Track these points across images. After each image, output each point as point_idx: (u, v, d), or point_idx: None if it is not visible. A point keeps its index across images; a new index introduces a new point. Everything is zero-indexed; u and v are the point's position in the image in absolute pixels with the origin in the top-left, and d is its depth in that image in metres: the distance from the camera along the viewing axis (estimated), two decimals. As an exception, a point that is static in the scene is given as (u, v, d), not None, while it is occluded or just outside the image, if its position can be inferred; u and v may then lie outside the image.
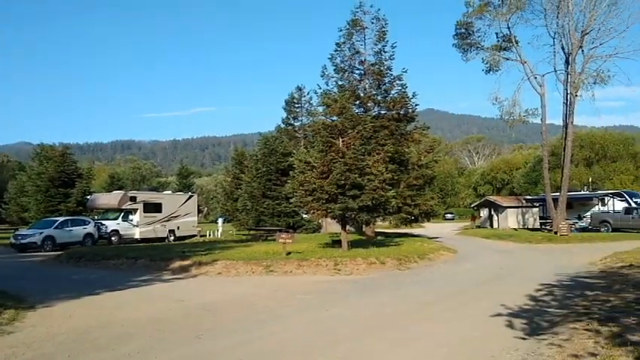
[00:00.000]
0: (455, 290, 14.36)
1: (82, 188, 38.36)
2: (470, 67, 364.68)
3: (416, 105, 33.90)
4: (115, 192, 41.64)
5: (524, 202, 51.51)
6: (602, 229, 37.86)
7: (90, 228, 32.45)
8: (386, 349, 8.22)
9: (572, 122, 36.27)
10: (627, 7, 34.31)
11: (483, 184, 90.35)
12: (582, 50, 34.85)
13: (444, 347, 8.15)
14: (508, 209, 50.31)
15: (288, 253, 20.51)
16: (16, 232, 32.64)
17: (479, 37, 38.94)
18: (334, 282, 16.37)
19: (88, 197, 38.54)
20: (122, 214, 36.12)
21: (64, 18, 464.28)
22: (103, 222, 35.12)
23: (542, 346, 7.88)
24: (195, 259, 20.16)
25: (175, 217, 39.83)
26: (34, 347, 8.40)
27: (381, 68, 33.61)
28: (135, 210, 36.76)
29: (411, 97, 33.47)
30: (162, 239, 37.76)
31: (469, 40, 39.25)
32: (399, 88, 33.69)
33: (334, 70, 34.29)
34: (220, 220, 49.70)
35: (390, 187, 23.38)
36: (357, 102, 32.81)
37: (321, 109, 26.27)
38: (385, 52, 33.77)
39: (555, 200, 36.51)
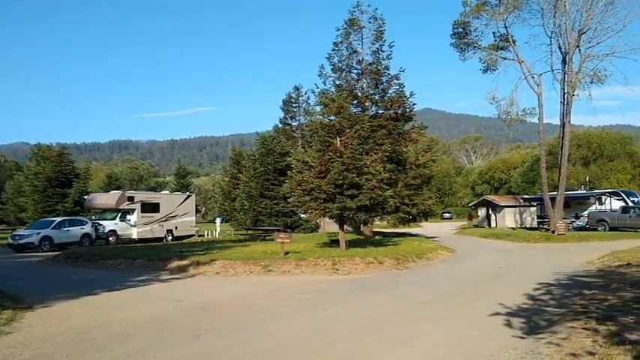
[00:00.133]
0: (453, 290, 14.36)
1: (79, 188, 38.35)
2: (467, 66, 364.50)
3: (413, 104, 33.93)
4: (112, 192, 41.54)
5: (521, 201, 51.58)
6: (600, 228, 37.92)
7: (87, 228, 32.40)
8: (384, 348, 8.22)
9: (569, 121, 36.33)
10: (624, 7, 34.30)
11: (481, 184, 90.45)
12: (579, 49, 34.91)
13: (442, 346, 8.16)
14: (506, 208, 50.39)
15: (287, 253, 20.51)
16: (14, 233, 32.59)
17: (476, 36, 39.01)
18: (332, 282, 16.37)
19: (86, 197, 38.50)
20: (120, 214, 36.05)
21: (62, 17, 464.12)
22: (101, 222, 35.05)
23: (540, 345, 7.88)
24: (193, 259, 20.14)
25: (173, 217, 39.78)
26: (32, 347, 8.39)
27: (379, 67, 33.59)
28: (132, 210, 36.69)
29: (408, 96, 33.47)
30: (160, 239, 37.72)
31: (466, 40, 39.29)
32: (397, 87, 33.69)
33: (332, 69, 34.28)
34: (218, 220, 49.65)
35: (388, 187, 23.39)
36: (355, 101, 32.76)
37: (318, 108, 26.20)
38: (383, 51, 33.77)
39: (553, 199, 36.54)
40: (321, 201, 21.37)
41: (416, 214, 34.40)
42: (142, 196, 39.48)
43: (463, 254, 25.52)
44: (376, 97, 34.10)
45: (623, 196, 41.60)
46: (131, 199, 36.95)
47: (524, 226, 48.17)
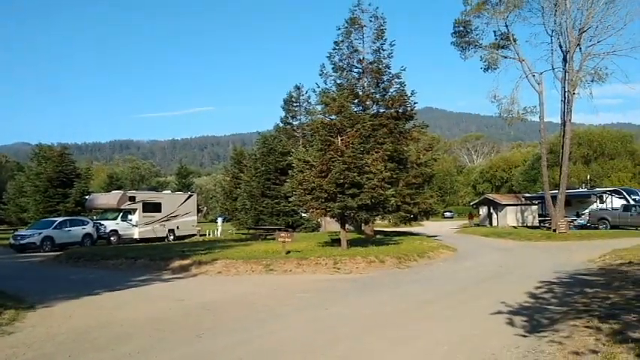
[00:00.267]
0: (455, 288, 14.36)
1: (80, 188, 38.33)
2: (468, 65, 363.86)
3: (414, 103, 33.92)
4: (113, 192, 41.59)
5: (523, 199, 51.55)
6: (601, 227, 37.86)
7: (89, 228, 32.40)
8: (386, 347, 8.21)
9: (570, 120, 36.31)
10: (625, 5, 34.29)
11: (482, 182, 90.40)
12: (580, 48, 34.90)
13: (444, 345, 8.15)
14: (507, 207, 50.37)
15: (288, 252, 20.51)
16: (15, 233, 32.60)
17: (477, 35, 38.99)
18: (334, 281, 16.36)
19: (87, 197, 38.49)
20: (121, 214, 36.04)
21: (62, 16, 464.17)
22: (102, 222, 35.06)
23: (542, 344, 7.87)
24: (194, 258, 20.14)
25: (175, 216, 39.77)
26: (34, 347, 8.39)
27: (380, 66, 33.58)
28: (134, 210, 36.69)
29: (409, 95, 33.47)
30: (161, 239, 37.72)
31: (467, 39, 39.28)
32: (398, 86, 33.69)
33: (333, 68, 34.28)
34: (220, 220, 49.68)
35: (389, 186, 23.39)
36: (356, 100, 32.76)
37: (319, 107, 26.20)
38: (383, 50, 33.77)
39: (554, 198, 36.52)
40: (323, 200, 21.37)
41: (417, 213, 34.39)
42: (143, 195, 39.46)
43: (465, 253, 25.51)
44: (377, 96, 34.10)
45: (625, 194, 41.59)
46: (132, 198, 36.95)
47: (525, 224, 48.15)
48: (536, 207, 49.13)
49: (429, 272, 18.41)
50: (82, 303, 12.57)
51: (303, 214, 37.16)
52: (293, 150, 29.61)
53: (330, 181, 20.98)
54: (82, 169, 42.15)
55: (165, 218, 38.92)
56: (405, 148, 33.39)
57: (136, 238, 36.27)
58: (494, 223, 51.31)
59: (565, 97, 35.73)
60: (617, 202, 40.79)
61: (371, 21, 33.75)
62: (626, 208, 37.93)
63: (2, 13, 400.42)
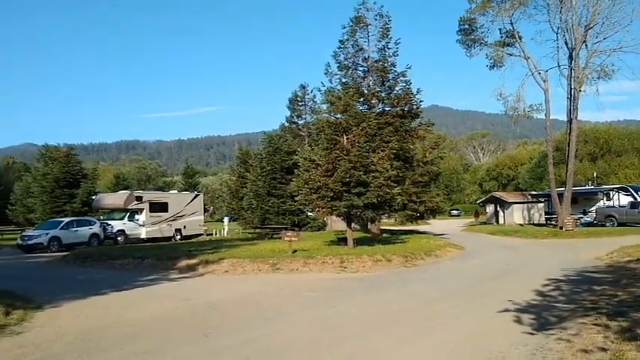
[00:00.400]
0: (462, 286, 14.32)
1: (87, 189, 38.50)
2: (474, 63, 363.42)
3: (420, 101, 33.83)
4: (120, 192, 41.67)
5: (529, 197, 51.41)
6: (608, 224, 37.74)
7: (96, 228, 32.50)
8: (392, 345, 8.20)
9: (576, 117, 36.22)
10: (630, 1, 34.07)
11: (489, 180, 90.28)
12: (586, 45, 34.79)
13: (451, 344, 8.14)
14: (514, 205, 50.23)
15: (294, 251, 20.51)
16: (23, 234, 32.74)
17: (482, 33, 38.93)
18: (340, 279, 16.36)
19: (94, 197, 38.64)
20: (128, 214, 36.10)
21: (65, 16, 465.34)
22: (109, 222, 35.12)
23: (550, 342, 7.84)
24: (201, 257, 20.18)
25: (181, 216, 39.83)
26: (42, 347, 8.42)
27: (385, 65, 33.53)
28: (141, 210, 36.75)
29: (415, 93, 33.39)
30: (168, 238, 37.78)
31: (472, 36, 39.21)
32: (403, 84, 33.63)
33: (338, 67, 34.23)
34: (226, 219, 49.73)
35: (396, 184, 23.33)
36: (361, 99, 32.73)
37: (325, 106, 26.23)
38: (389, 48, 33.71)
39: (560, 195, 36.43)
40: (329, 199, 21.36)
41: (423, 211, 34.33)
42: (150, 195, 39.52)
43: (471, 251, 25.46)
44: (383, 95, 34.06)
45: (632, 191, 41.38)
46: (139, 198, 37.01)
47: (532, 222, 48.01)
48: (542, 205, 48.99)
49: (435, 271, 18.38)
50: (89, 303, 12.61)
51: (309, 213, 37.21)
52: (299, 149, 29.67)
53: (336, 180, 20.96)
54: (89, 169, 42.39)
55: (172, 218, 38.98)
56: (411, 147, 33.34)
57: (143, 238, 36.33)
58: (501, 221, 51.17)
59: (571, 95, 35.64)
60: (625, 200, 40.62)
61: (376, 19, 33.72)
62: (634, 205, 37.78)
63: (4, 12, 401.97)
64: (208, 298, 13.12)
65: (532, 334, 8.44)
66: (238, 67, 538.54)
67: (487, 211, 58.76)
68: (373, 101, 33.87)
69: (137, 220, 36.38)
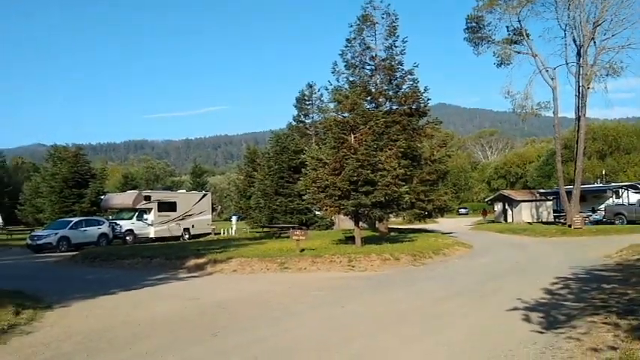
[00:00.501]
0: (470, 285, 14.28)
1: (95, 188, 38.64)
2: (481, 60, 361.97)
3: (428, 99, 33.85)
4: (129, 192, 41.81)
5: (537, 195, 51.20)
6: (617, 222, 37.54)
7: (104, 228, 32.59)
8: (401, 345, 8.19)
9: (584, 115, 36.02)
10: (640, -3, 33.97)
11: (497, 179, 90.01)
12: (594, 42, 34.59)
13: (460, 342, 8.11)
14: (522, 203, 50.05)
15: (302, 250, 20.52)
16: (32, 233, 32.86)
17: (489, 30, 38.73)
18: (348, 278, 16.35)
19: (102, 197, 38.76)
20: (136, 213, 36.18)
21: (67, 16, 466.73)
22: (118, 222, 35.21)
23: (560, 340, 7.81)
24: (210, 257, 20.22)
25: (190, 215, 39.88)
26: (52, 347, 8.45)
27: (392, 63, 33.53)
28: (149, 209, 36.82)
29: (422, 91, 33.40)
30: (176, 238, 37.84)
31: (480, 34, 39.05)
32: (411, 82, 33.65)
33: (345, 66, 34.26)
34: (234, 218, 49.82)
35: (403, 183, 23.30)
36: (369, 98, 32.73)
37: (332, 105, 26.21)
38: (396, 46, 33.74)
39: (569, 193, 36.26)
40: (336, 198, 21.36)
41: (431, 209, 34.31)
42: (158, 195, 39.59)
43: (480, 250, 25.40)
44: (390, 93, 34.05)
45: (641, 189, 41.19)
46: (148, 198, 37.09)
47: (540, 220, 47.82)
48: (550, 203, 48.80)
49: (444, 269, 18.35)
50: (98, 303, 12.64)
51: (317, 212, 37.22)
52: (306, 148, 29.70)
53: (343, 178, 20.95)
54: (97, 169, 42.55)
55: (180, 217, 39.04)
56: (419, 145, 33.32)
57: (151, 238, 36.40)
58: (509, 219, 51.02)
59: (579, 92, 35.46)
60: (634, 197, 40.38)
61: (383, 18, 33.73)
62: (643, 202, 37.56)
63: (9, 12, 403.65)
64: (217, 297, 13.13)
65: (541, 332, 8.41)
66: (246, 66, 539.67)
67: (495, 209, 58.60)
68: (380, 100, 33.87)
69: (146, 219, 36.46)
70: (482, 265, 19.47)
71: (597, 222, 39.43)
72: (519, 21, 37.19)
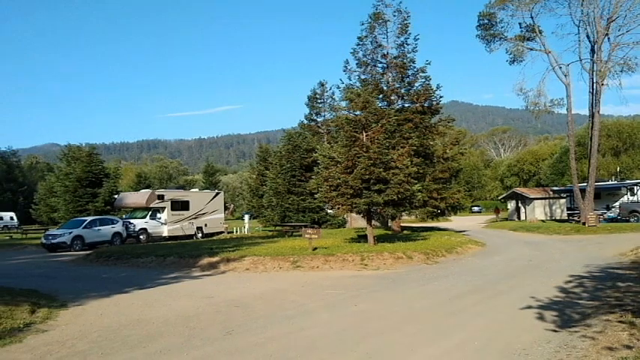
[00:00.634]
0: (483, 283, 14.24)
1: (109, 188, 38.90)
2: (494, 58, 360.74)
3: (440, 97, 33.70)
4: (142, 191, 41.97)
5: (551, 193, 50.96)
6: (632, 220, 37.28)
7: (118, 227, 32.75)
8: (415, 343, 8.18)
9: (598, 111, 35.75)
10: (654, -7, 33.58)
11: (510, 176, 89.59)
12: (608, 38, 34.34)
13: (474, 341, 8.10)
14: (535, 201, 49.83)
15: (315, 249, 20.55)
16: (46, 233, 33.08)
17: (502, 27, 38.64)
18: (361, 277, 16.35)
19: (116, 196, 38.99)
20: (150, 212, 36.32)
21: (74, 15, 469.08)
22: (131, 221, 35.36)
23: (574, 339, 7.78)
24: (223, 255, 20.28)
25: (203, 214, 40.00)
26: (67, 345, 8.53)
27: (404, 61, 33.44)
28: (162, 208, 36.95)
29: (435, 89, 33.27)
30: (190, 236, 37.96)
31: (492, 31, 38.93)
32: (423, 80, 33.53)
33: (357, 64, 34.24)
34: (247, 217, 49.93)
35: (416, 181, 23.26)
36: (381, 95, 32.68)
37: (344, 103, 26.22)
38: (408, 44, 33.63)
39: (583, 191, 36.04)
40: (348, 196, 21.35)
41: (444, 208, 34.19)
42: (171, 194, 39.71)
43: (493, 248, 25.32)
44: (402, 91, 33.97)
45: (656, 186, 40.87)
46: (161, 197, 37.21)
47: (554, 218, 47.61)
48: (564, 200, 48.56)
49: (457, 268, 18.29)
50: (113, 301, 12.73)
51: (329, 211, 37.23)
52: (318, 146, 29.66)
53: (355, 177, 20.94)
54: (111, 168, 42.87)
55: (193, 216, 39.16)
56: (432, 143, 33.22)
57: (165, 236, 36.55)
58: (523, 217, 50.81)
59: (593, 89, 35.23)
60: (649, 195, 40.13)
61: (395, 15, 33.65)
62: (658, 200, 37.29)
63: (24, 12, 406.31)
64: (230, 296, 13.18)
65: (555, 331, 8.38)
66: (258, 66, 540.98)
67: (508, 207, 58.37)
68: (392, 97, 33.81)
69: (159, 218, 36.60)
70: (495, 263, 19.40)
71: (612, 220, 39.18)
72: (532, 17, 37.10)
